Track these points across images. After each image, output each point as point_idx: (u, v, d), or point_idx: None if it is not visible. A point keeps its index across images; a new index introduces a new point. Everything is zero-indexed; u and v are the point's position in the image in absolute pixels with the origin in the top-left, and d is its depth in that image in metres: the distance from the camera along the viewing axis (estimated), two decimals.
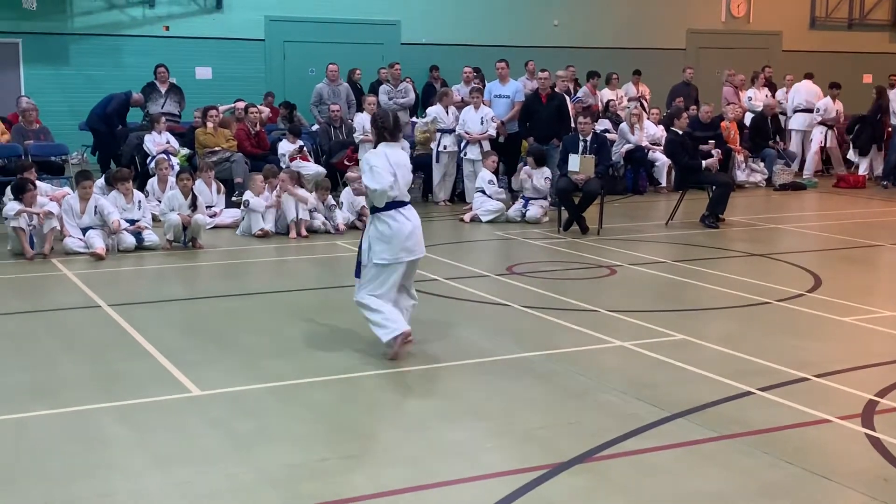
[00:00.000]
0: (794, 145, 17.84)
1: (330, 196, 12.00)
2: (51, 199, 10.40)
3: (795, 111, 18.01)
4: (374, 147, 6.57)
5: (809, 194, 15.95)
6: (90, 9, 17.84)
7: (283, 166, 12.85)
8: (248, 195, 11.49)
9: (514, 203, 12.83)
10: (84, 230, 10.17)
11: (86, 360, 6.35)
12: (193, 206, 10.64)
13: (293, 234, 11.19)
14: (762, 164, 16.80)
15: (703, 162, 12.33)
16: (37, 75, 17.46)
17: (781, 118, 17.98)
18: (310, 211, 11.48)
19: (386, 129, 6.53)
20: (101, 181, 11.54)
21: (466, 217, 12.67)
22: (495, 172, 13.39)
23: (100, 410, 5.38)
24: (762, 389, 5.78)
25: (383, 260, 6.40)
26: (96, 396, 5.60)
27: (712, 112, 14.49)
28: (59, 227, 10.09)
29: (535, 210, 12.45)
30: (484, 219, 12.47)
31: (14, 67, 17.78)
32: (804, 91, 17.94)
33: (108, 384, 5.85)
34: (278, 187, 11.41)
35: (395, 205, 6.43)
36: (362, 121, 13.83)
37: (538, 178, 12.59)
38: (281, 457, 4.73)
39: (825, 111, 17.59)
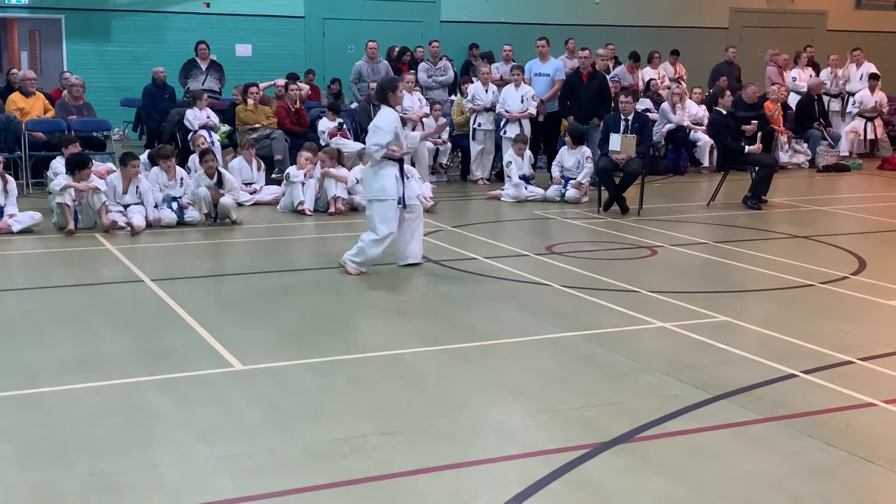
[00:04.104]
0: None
1: None
2: (95, 175, 10.50)
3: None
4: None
5: (853, 176, 15.73)
6: None
7: (323, 144, 12.89)
8: (290, 169, 11.54)
9: (552, 183, 12.75)
10: (126, 206, 10.30)
11: (129, 334, 6.42)
12: (219, 184, 10.71)
13: (332, 209, 11.23)
14: (805, 146, 16.59)
15: (746, 147, 12.18)
16: (79, 51, 17.63)
17: (825, 99, 17.74)
18: (349, 189, 11.50)
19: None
20: (143, 157, 11.62)
21: (489, 193, 12.83)
22: (535, 152, 13.36)
23: (144, 384, 5.43)
24: (806, 372, 5.72)
25: (376, 195, 8.11)
26: (140, 370, 5.66)
27: (759, 92, 14.30)
28: (107, 202, 10.19)
29: (574, 190, 12.37)
30: (503, 199, 12.48)
31: (57, 43, 17.96)
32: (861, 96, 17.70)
33: (152, 358, 5.91)
34: (318, 166, 11.42)
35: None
36: None
37: (571, 159, 12.53)
38: (323, 432, 4.75)
39: (861, 103, 17.39)
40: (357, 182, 11.08)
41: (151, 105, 15.44)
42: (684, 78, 17.95)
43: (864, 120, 17.49)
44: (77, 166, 10.06)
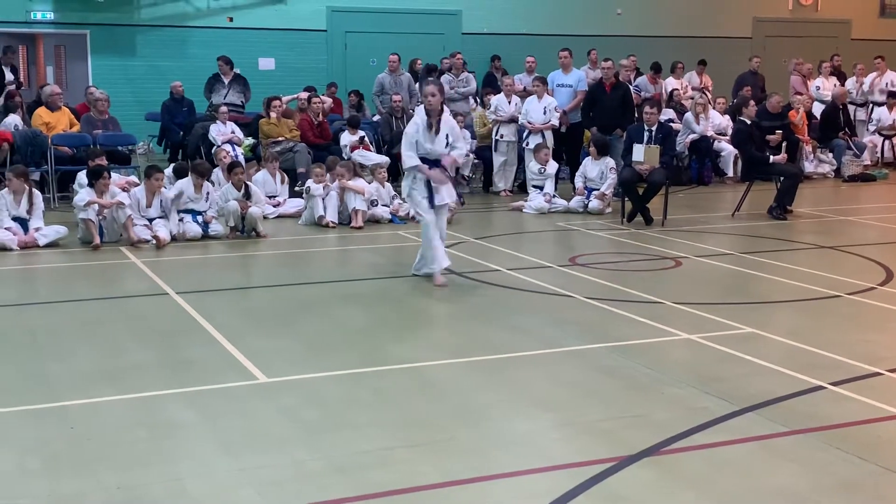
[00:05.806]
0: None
1: (390, 185, 12.07)
2: (118, 187, 10.55)
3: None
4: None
5: (879, 186, 15.59)
6: (156, 0, 18.11)
7: (346, 157, 12.92)
8: (309, 183, 11.57)
9: (575, 194, 12.73)
10: (150, 220, 10.37)
11: (155, 347, 6.44)
12: (247, 196, 10.74)
13: (354, 222, 11.24)
14: (831, 155, 16.48)
15: (771, 157, 12.11)
16: (104, 66, 17.78)
17: (851, 108, 17.61)
18: (372, 200, 11.52)
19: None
20: (168, 171, 11.67)
21: (511, 204, 12.83)
22: (558, 162, 13.36)
23: (169, 396, 5.45)
24: (834, 384, 5.66)
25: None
26: (165, 382, 5.67)
27: (783, 101, 14.21)
28: (132, 215, 10.23)
29: (597, 201, 12.33)
30: (525, 211, 12.46)
31: (82, 59, 18.14)
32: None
33: (177, 370, 5.92)
34: (338, 180, 11.44)
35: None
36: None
37: (594, 170, 12.52)
38: (348, 445, 4.74)
39: (879, 121, 17.28)
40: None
41: (170, 119, 15.57)
42: (709, 89, 17.88)
43: (882, 137, 17.38)
44: (93, 177, 10.14)
